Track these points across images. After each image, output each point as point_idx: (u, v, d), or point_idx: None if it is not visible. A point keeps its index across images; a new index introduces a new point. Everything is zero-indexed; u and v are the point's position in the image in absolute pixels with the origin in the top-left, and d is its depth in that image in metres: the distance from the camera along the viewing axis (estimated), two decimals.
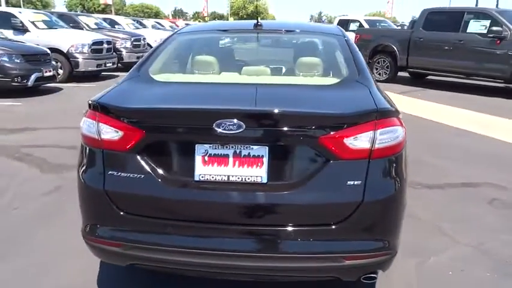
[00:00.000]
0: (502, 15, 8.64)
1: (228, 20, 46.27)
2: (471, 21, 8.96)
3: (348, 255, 1.78)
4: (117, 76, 11.25)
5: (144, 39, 13.93)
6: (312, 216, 1.78)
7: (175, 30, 2.96)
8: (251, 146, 1.78)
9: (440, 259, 2.66)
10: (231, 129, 1.72)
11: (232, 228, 1.80)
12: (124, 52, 12.77)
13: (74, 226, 2.88)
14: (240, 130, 1.72)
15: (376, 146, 1.76)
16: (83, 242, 2.00)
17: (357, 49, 2.56)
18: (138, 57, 13.40)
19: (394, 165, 1.84)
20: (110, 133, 1.85)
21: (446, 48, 9.23)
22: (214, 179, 1.79)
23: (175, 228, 1.82)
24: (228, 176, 1.79)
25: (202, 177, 1.80)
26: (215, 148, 1.79)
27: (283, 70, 2.47)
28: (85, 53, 10.03)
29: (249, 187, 1.78)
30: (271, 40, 3.06)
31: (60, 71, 9.70)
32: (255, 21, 2.81)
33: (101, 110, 1.88)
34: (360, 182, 1.77)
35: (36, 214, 3.21)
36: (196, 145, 1.80)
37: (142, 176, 1.82)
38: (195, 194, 1.80)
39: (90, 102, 1.95)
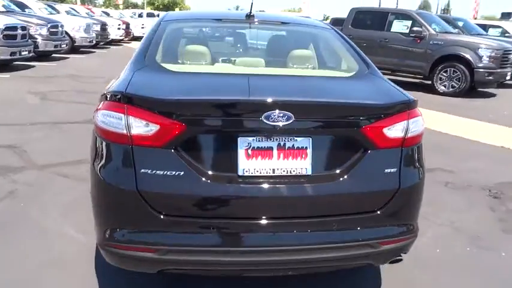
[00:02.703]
0: (421, 17, 9.54)
1: (144, 9, 44.31)
2: (395, 21, 9.74)
3: (384, 240, 1.86)
4: (34, 66, 10.22)
5: (62, 26, 12.76)
6: (354, 205, 1.83)
7: (162, 17, 2.77)
8: (295, 138, 1.76)
9: (424, 239, 2.89)
10: (280, 121, 1.69)
11: (279, 223, 1.77)
12: (40, 40, 11.55)
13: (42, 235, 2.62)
14: (289, 121, 1.69)
15: (408, 134, 1.87)
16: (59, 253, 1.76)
17: (350, 40, 2.67)
18: (55, 46, 12.33)
19: (418, 152, 1.97)
20: (142, 127, 1.70)
21: (373, 45, 9.91)
22: (259, 173, 1.75)
23: (218, 226, 1.73)
24: (273, 169, 1.75)
25: (246, 171, 1.74)
26: (259, 141, 1.75)
27: (293, 61, 2.47)
28: None
29: (294, 179, 1.77)
30: (270, 31, 3.03)
31: None
32: (246, 12, 2.76)
33: (132, 102, 1.71)
34: (395, 169, 1.86)
35: None
36: (239, 138, 1.73)
37: (182, 173, 1.70)
38: (240, 189, 1.74)
39: (112, 93, 1.76)
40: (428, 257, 2.67)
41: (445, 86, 9.00)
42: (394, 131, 1.84)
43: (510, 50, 9.00)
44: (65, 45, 12.84)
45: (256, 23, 2.67)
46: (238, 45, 2.80)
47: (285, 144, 1.76)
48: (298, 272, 1.97)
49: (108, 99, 1.80)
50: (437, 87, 9.06)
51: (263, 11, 19.76)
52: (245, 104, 1.76)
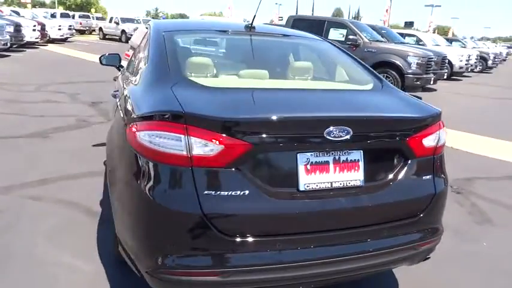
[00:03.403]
0: (355, 26, 10.19)
1: (56, 8, 41.13)
2: (331, 29, 10.28)
3: (423, 242, 2.00)
4: None
5: None
6: (401, 211, 1.94)
7: (156, 27, 2.63)
8: (349, 151, 1.82)
9: None
10: (340, 136, 1.73)
11: (338, 234, 1.80)
12: None
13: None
14: (348, 136, 1.74)
15: (439, 143, 2.03)
16: None
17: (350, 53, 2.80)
18: None
19: (443, 160, 2.14)
20: (204, 148, 1.62)
21: None
22: (318, 187, 1.77)
23: (283, 242, 1.72)
24: (331, 183, 1.79)
25: (307, 186, 1.75)
26: (317, 156, 1.77)
27: (310, 74, 2.51)
28: None
29: (349, 191, 1.82)
30: (275, 44, 3.03)
31: None
32: (245, 23, 2.77)
33: (194, 122, 1.62)
34: (430, 176, 2.01)
35: None
36: (298, 154, 1.74)
37: (246, 192, 1.66)
38: (302, 204, 1.74)
39: (167, 112, 1.66)
40: None
41: None
42: (429, 140, 1.98)
43: (432, 58, 9.99)
44: None
45: (262, 35, 2.67)
46: (253, 58, 2.78)
47: (339, 157, 1.81)
48: (348, 280, 2.02)
49: (158, 118, 1.69)
50: None
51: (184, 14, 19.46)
52: (310, 120, 1.77)
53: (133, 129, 1.78)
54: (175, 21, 3.50)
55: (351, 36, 9.86)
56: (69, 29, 23.39)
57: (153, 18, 49.81)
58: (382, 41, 10.43)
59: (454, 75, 15.12)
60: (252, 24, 2.75)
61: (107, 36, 29.16)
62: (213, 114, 1.65)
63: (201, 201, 1.62)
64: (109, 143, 2.31)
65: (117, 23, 28.38)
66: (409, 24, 38.70)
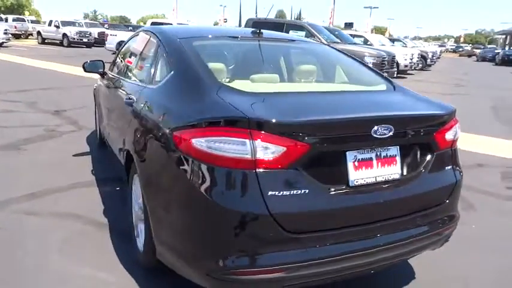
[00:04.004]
0: (313, 28, 10.55)
1: None
2: (290, 31, 10.56)
3: (446, 227, 2.19)
4: None
5: None
6: (431, 200, 2.11)
7: (166, 34, 2.63)
8: (388, 147, 1.96)
9: None
10: (384, 134, 1.87)
11: (383, 224, 1.94)
12: None
13: None
14: (390, 134, 1.88)
15: (456, 136, 2.23)
16: None
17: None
18: None
19: (457, 151, 2.34)
20: (268, 151, 1.68)
21: None
22: (365, 182, 1.89)
23: (339, 236, 1.82)
24: (375, 177, 1.92)
25: (356, 182, 1.87)
26: (362, 153, 1.89)
27: (328, 77, 2.62)
28: None
29: (390, 184, 1.96)
30: (287, 49, 3.10)
31: None
32: (251, 29, 2.85)
33: (258, 126, 1.68)
34: (451, 166, 2.21)
35: None
36: (347, 152, 1.86)
37: (307, 191, 1.74)
38: (353, 199, 1.86)
39: (229, 118, 1.70)
40: None
41: None
42: (450, 134, 2.17)
43: (385, 57, 10.61)
44: None
45: (272, 40, 2.75)
46: (270, 63, 2.85)
47: (380, 153, 1.94)
48: (383, 268, 2.16)
49: (218, 124, 1.72)
50: None
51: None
52: (360, 120, 1.88)
53: (185, 136, 1.79)
54: (179, 27, 3.48)
55: (309, 37, 10.19)
56: (5, 33, 21.97)
57: (92, 21, 47.93)
58: (338, 42, 10.89)
59: (399, 73, 16.09)
60: (259, 30, 2.85)
61: (46, 41, 27.58)
62: (276, 119, 1.71)
63: (267, 202, 1.68)
64: (139, 152, 2.27)
65: (58, 27, 26.97)
66: (348, 25, 40.43)
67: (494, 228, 3.38)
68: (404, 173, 2.02)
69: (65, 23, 27.23)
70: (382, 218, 1.94)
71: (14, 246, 2.68)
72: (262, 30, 2.88)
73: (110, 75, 3.94)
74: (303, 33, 10.43)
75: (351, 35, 15.14)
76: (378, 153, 1.94)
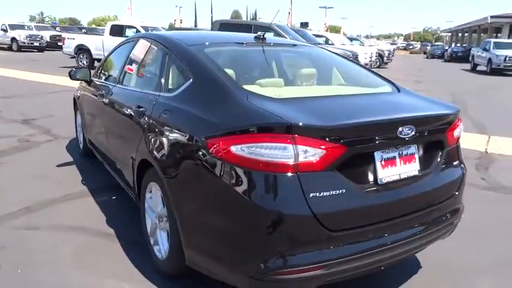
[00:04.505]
0: (281, 29, 10.73)
1: None
2: (259, 32, 10.64)
3: (456, 217, 2.38)
4: None
5: None
6: (445, 193, 2.28)
7: (173, 40, 2.65)
8: (408, 146, 2.10)
9: None
10: (408, 134, 2.01)
11: (408, 218, 2.07)
12: None
13: None
14: (412, 133, 2.02)
15: (460, 133, 2.42)
16: None
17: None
18: None
19: (460, 147, 2.53)
20: (310, 154, 1.77)
21: None
22: (391, 179, 2.02)
23: (372, 231, 1.94)
24: (399, 175, 2.05)
25: (384, 180, 1.99)
26: (387, 152, 2.02)
27: (337, 80, 2.74)
28: None
29: (410, 180, 2.11)
30: (291, 53, 3.16)
31: None
32: (252, 35, 2.93)
33: (301, 131, 1.76)
34: (458, 161, 2.39)
35: None
36: (375, 152, 1.98)
37: (344, 190, 1.85)
38: (382, 195, 1.98)
39: (271, 124, 1.77)
40: None
41: None
42: (456, 132, 2.35)
43: (350, 57, 10.97)
44: None
45: (277, 45, 2.83)
46: (283, 68, 2.92)
47: (402, 152, 2.08)
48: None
49: (260, 131, 1.78)
50: None
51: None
52: (388, 122, 2.00)
53: (223, 143, 1.84)
54: (181, 34, 3.45)
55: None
56: None
57: (39, 23, 45.81)
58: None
59: None
60: (263, 36, 2.93)
61: None
62: (316, 123, 1.80)
63: (309, 203, 1.76)
64: (162, 160, 2.27)
65: (5, 30, 25.56)
66: (304, 25, 41.17)
67: (486, 218, 3.60)
68: (422, 169, 2.17)
69: (14, 26, 25.86)
70: (407, 212, 2.08)
71: (26, 265, 2.58)
72: (266, 36, 2.96)
73: (100, 83, 3.86)
74: (271, 34, 10.56)
75: (314, 35, 15.50)
76: (400, 152, 2.07)
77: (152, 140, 2.41)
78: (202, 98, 2.20)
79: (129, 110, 2.86)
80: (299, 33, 13.12)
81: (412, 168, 2.12)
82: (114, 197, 3.70)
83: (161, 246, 2.49)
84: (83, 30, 30.58)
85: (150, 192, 2.57)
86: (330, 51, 3.27)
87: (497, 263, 2.82)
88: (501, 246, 3.05)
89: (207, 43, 2.74)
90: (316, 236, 1.80)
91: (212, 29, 11.23)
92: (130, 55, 3.17)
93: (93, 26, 64.78)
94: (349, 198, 1.86)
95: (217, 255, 1.98)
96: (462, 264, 2.77)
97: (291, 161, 1.75)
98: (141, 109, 2.62)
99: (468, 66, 24.58)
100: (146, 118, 2.54)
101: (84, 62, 15.90)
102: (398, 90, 2.63)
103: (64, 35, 17.03)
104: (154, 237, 2.58)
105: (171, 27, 28.78)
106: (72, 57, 16.45)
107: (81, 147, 4.92)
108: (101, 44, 15.24)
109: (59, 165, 4.56)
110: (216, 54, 2.56)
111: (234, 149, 1.81)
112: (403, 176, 2.07)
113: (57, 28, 32.58)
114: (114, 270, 2.56)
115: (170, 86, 2.57)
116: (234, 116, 1.94)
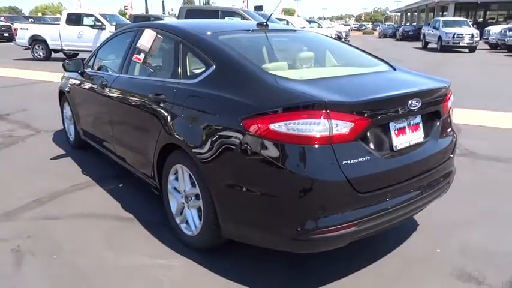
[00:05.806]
0: (247, 13, 10.84)
1: None
2: (226, 18, 10.74)
3: (451, 177, 2.74)
4: None
5: None
6: (444, 155, 2.61)
7: (184, 29, 2.81)
8: (414, 116, 2.41)
9: None
10: (416, 106, 2.31)
11: (419, 179, 2.39)
12: None
13: None
14: (419, 105, 2.33)
15: (452, 104, 2.77)
16: None
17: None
18: None
19: (451, 116, 2.88)
20: (341, 127, 2.02)
21: None
22: (403, 146, 2.33)
23: (393, 191, 2.24)
24: (409, 142, 2.36)
25: (398, 146, 2.29)
26: (399, 123, 2.32)
27: (341, 62, 3.00)
28: None
29: (418, 146, 2.42)
30: (296, 38, 3.36)
31: None
32: (254, 22, 3.14)
33: (333, 107, 2.01)
34: (450, 128, 2.74)
35: None
36: (390, 123, 2.27)
37: (368, 157, 2.12)
38: (398, 160, 2.28)
39: (305, 102, 2.00)
40: None
41: None
42: (449, 102, 2.70)
43: None
44: None
45: (280, 31, 3.04)
46: (291, 52, 3.12)
47: (410, 122, 2.38)
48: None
49: (297, 109, 2.02)
50: None
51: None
52: (403, 96, 2.29)
53: (262, 123, 2.05)
54: (188, 22, 3.55)
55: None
56: None
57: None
58: None
59: None
60: (266, 22, 3.14)
61: None
62: (346, 100, 2.06)
63: (343, 170, 2.03)
64: (195, 142, 2.42)
65: None
66: (258, 8, 40.91)
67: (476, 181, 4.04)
68: (425, 136, 2.50)
69: None
70: (417, 174, 2.40)
71: (59, 252, 2.68)
72: (270, 24, 3.16)
73: (97, 74, 3.90)
74: (238, 18, 10.68)
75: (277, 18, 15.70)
76: (409, 122, 2.38)
77: (179, 124, 2.57)
78: (229, 82, 2.38)
79: (143, 98, 2.98)
80: (263, 17, 13.26)
81: (418, 136, 2.43)
82: (121, 185, 3.81)
83: (191, 224, 2.67)
84: (30, 20, 29.00)
85: (175, 173, 2.74)
86: (325, 35, 3.52)
87: (478, 215, 3.25)
88: (481, 202, 3.49)
89: (219, 31, 2.90)
90: (348, 198, 2.07)
91: (178, 16, 11.14)
92: (138, 45, 3.25)
93: (39, 14, 61.20)
94: (373, 163, 2.15)
95: (257, 223, 2.20)
96: (450, 218, 3.17)
97: (326, 134, 2.00)
98: (161, 96, 2.75)
99: (419, 44, 25.83)
100: (169, 104, 2.68)
101: (41, 53, 15.26)
102: (394, 69, 2.94)
103: (16, 25, 16.17)
104: (182, 216, 2.76)
105: (122, 14, 27.79)
106: (26, 49, 15.71)
107: (72, 139, 4.91)
108: (57, 34, 14.66)
109: (53, 158, 4.56)
110: (232, 42, 2.74)
111: (272, 126, 2.02)
112: (412, 143, 2.38)
113: (1, 18, 30.66)
114: (145, 249, 2.72)
115: (189, 74, 2.72)
116: (268, 97, 2.15)
